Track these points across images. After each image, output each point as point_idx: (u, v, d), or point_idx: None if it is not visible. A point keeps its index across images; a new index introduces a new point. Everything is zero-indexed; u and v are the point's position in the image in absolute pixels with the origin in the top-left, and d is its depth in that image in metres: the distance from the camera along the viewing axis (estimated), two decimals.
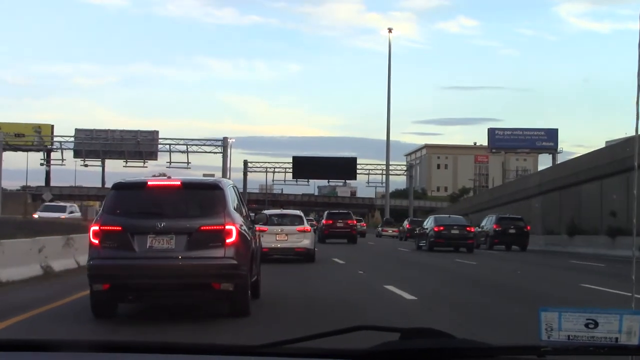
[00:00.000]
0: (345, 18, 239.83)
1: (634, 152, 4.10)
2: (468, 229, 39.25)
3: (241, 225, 11.03)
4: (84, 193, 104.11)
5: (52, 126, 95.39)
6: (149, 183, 11.17)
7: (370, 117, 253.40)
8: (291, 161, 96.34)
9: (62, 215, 43.50)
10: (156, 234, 10.44)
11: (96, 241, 10.56)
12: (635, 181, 4.18)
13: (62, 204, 49.70)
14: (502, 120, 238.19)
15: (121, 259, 10.47)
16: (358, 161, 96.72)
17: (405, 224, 63.93)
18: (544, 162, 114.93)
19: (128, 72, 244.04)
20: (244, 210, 12.47)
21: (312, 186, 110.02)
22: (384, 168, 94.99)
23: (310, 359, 2.44)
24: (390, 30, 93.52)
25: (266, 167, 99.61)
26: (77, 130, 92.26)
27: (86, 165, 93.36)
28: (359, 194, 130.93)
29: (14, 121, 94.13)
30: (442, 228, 38.51)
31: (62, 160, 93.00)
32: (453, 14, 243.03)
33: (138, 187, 11.23)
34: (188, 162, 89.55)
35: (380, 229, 78.82)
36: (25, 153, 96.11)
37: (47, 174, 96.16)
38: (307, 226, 26.17)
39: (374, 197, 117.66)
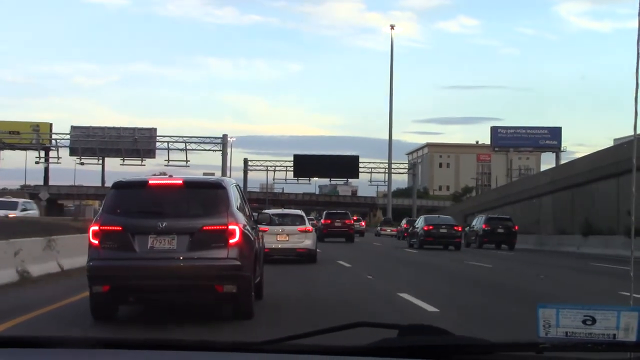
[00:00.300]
0: (346, 17, 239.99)
1: (633, 153, 4.12)
2: (455, 228, 41.41)
3: (244, 225, 10.72)
4: (82, 192, 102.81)
5: (51, 124, 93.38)
6: (150, 182, 10.93)
7: (371, 117, 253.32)
8: (292, 160, 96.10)
9: (12, 214, 35.83)
10: (157, 234, 10.17)
11: (96, 241, 10.27)
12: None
13: (13, 199, 41.23)
14: (502, 120, 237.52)
15: (121, 259, 10.19)
16: (360, 160, 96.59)
17: (403, 223, 64.57)
18: (547, 160, 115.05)
19: (128, 72, 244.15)
20: (247, 210, 12.19)
21: (313, 185, 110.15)
22: (386, 166, 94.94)
23: (309, 355, 2.45)
24: (392, 27, 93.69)
25: (267, 166, 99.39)
26: (73, 127, 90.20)
27: (82, 164, 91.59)
28: (360, 193, 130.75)
29: (13, 120, 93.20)
30: (431, 227, 40.76)
31: (58, 158, 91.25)
32: (453, 13, 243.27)
33: (139, 186, 10.99)
34: (187, 161, 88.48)
35: (379, 228, 79.63)
36: (24, 152, 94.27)
37: (46, 173, 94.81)
38: (308, 226, 25.80)
39: (375, 196, 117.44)
